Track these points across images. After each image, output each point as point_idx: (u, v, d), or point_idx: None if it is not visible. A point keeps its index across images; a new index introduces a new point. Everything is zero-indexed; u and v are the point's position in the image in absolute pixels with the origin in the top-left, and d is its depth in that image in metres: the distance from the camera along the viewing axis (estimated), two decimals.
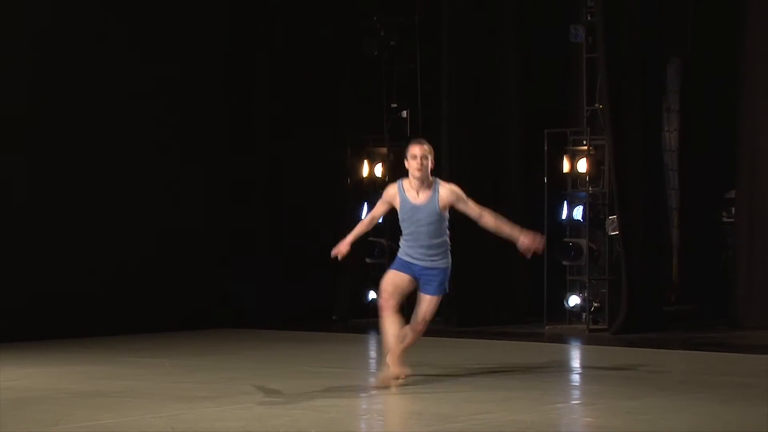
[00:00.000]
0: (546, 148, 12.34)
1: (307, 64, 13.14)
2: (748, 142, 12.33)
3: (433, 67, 13.04)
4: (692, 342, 11.04)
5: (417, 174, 8.27)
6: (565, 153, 12.30)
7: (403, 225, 8.41)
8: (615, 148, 11.82)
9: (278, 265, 12.98)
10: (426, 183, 8.33)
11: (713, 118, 13.20)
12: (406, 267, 8.40)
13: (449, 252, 8.42)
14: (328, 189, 13.31)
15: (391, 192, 8.39)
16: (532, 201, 12.70)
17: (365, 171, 13.32)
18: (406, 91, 13.37)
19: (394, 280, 8.40)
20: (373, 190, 13.29)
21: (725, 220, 13.33)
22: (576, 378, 9.18)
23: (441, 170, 12.76)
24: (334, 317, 13.21)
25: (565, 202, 12.21)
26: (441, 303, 13.06)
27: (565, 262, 12.20)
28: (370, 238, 13.16)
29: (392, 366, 8.38)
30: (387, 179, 13.27)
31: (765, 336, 11.32)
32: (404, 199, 8.33)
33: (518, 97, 12.94)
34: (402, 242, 8.42)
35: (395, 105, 13.41)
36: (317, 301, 13.16)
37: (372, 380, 8.69)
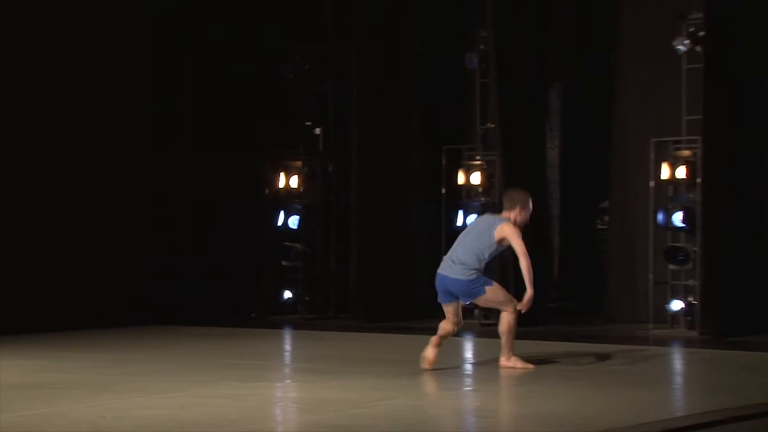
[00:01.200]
0: (444, 163, 12.47)
1: (230, 85, 13.08)
2: (618, 159, 12.60)
3: (344, 89, 13.09)
4: (570, 334, 11.22)
5: (522, 223, 8.60)
6: (461, 167, 12.43)
7: (489, 256, 8.57)
8: (504, 162, 12.00)
9: (202, 267, 12.88)
10: None
11: (590, 136, 13.44)
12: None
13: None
14: (249, 198, 13.26)
15: None
16: (431, 210, 12.81)
17: (282, 182, 13.31)
18: (319, 110, 13.38)
19: None
20: (289, 199, 13.28)
21: (599, 227, 13.59)
22: (469, 368, 9.28)
23: (351, 182, 12.86)
24: (252, 314, 13.15)
25: (461, 211, 12.33)
26: (349, 299, 13.14)
27: None
28: (286, 243, 13.16)
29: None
30: (302, 189, 13.26)
31: (633, 328, 11.56)
32: None
33: (420, 116, 13.05)
34: (482, 265, 8.55)
35: (309, 123, 13.41)
36: (238, 301, 13.09)
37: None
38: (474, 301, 8.81)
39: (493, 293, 8.62)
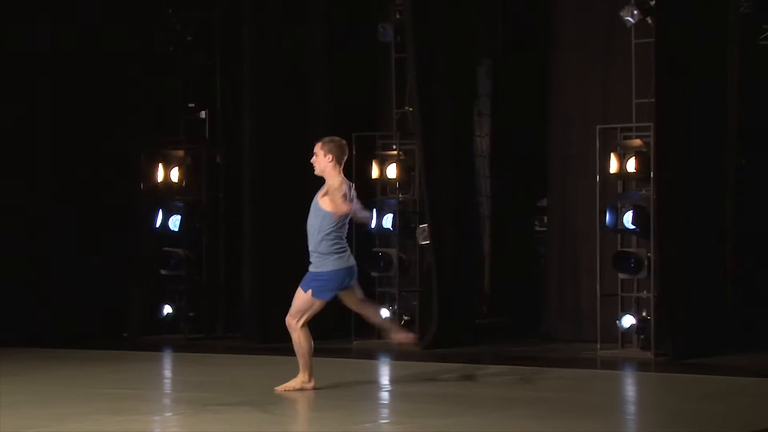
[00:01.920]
0: (354, 153, 12.41)
1: (96, 61, 12.86)
2: (559, 149, 12.69)
3: (234, 65, 12.97)
4: (504, 356, 11.29)
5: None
6: (374, 158, 12.41)
7: (341, 228, 9.01)
8: (425, 152, 12.00)
9: (65, 277, 12.67)
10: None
11: (525, 123, 13.53)
12: None
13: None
14: (120, 195, 13.06)
15: None
16: None
17: (160, 175, 13.13)
18: (204, 90, 13.25)
19: None
20: (169, 194, 13.12)
21: (537, 228, 13.70)
22: (385, 396, 9.29)
23: (242, 175, 12.75)
24: (125, 334, 12.98)
25: (374, 210, 12.28)
26: (242, 318, 13.08)
27: (374, 273, 12.30)
28: (166, 248, 13.01)
29: None
30: (184, 184, 13.12)
31: (575, 349, 11.67)
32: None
33: (325, 98, 12.99)
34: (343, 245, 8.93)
35: (192, 105, 13.27)
36: (108, 317, 12.90)
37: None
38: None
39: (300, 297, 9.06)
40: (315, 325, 12.78)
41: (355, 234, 12.19)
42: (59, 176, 12.79)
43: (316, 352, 11.53)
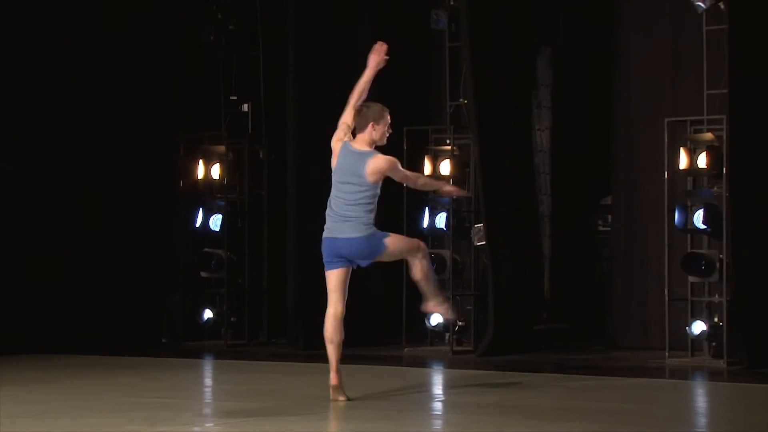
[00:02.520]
0: (406, 148, 12.38)
1: (134, 52, 12.91)
2: (624, 143, 12.60)
3: (278, 56, 12.98)
4: (565, 365, 11.24)
5: (383, 142, 9.02)
6: (427, 153, 12.36)
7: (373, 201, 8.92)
8: (481, 148, 11.95)
9: (100, 279, 12.73)
10: None
11: (588, 117, 13.43)
12: None
13: None
14: (159, 193, 13.12)
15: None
16: (389, 206, 12.69)
17: (200, 172, 13.16)
18: (247, 82, 13.27)
19: None
20: (209, 193, 13.16)
21: (601, 228, 13.60)
22: (437, 406, 9.26)
23: (287, 172, 12.74)
24: (163, 340, 13.03)
25: (426, 209, 12.26)
26: (286, 323, 13.08)
27: None
28: (206, 249, 13.04)
29: None
30: (225, 181, 13.16)
31: (642, 357, 11.58)
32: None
33: (374, 90, 12.92)
34: (372, 216, 8.91)
35: (235, 98, 13.30)
36: (146, 322, 12.96)
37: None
38: (376, 260, 9.04)
39: (393, 244, 8.93)
40: (365, 331, 12.84)
41: (406, 233, 12.18)
42: (95, 172, 12.83)
43: (366, 360, 11.56)
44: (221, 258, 13.00)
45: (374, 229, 8.86)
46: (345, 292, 8.98)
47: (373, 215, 8.88)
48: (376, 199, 8.90)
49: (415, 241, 9.05)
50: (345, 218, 8.83)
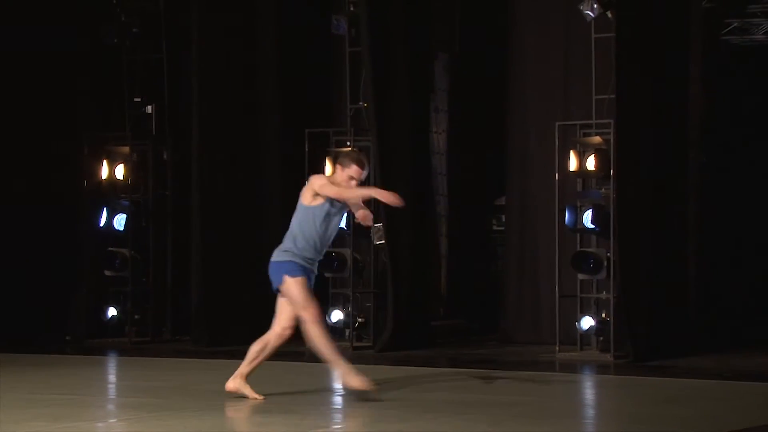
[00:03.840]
0: (307, 149, 12.44)
1: (37, 53, 12.77)
2: (517, 146, 12.77)
3: (182, 57, 12.94)
4: (461, 359, 11.32)
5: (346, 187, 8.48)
6: (328, 155, 12.42)
7: (319, 226, 8.46)
8: (380, 149, 12.04)
9: (4, 278, 12.59)
10: None
11: (483, 119, 13.58)
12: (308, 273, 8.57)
13: None
14: (63, 193, 13.00)
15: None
16: (290, 209, 12.73)
17: (105, 172, 13.08)
18: (150, 84, 13.21)
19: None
20: (114, 192, 13.08)
21: (495, 228, 13.76)
22: (338, 400, 9.27)
23: (190, 175, 12.71)
24: (67, 337, 12.91)
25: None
26: (189, 323, 12.96)
27: (327, 274, 12.30)
28: (110, 248, 12.96)
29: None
30: (129, 181, 13.09)
31: (534, 351, 11.74)
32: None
33: (276, 93, 12.99)
34: (302, 245, 8.46)
35: (138, 99, 13.23)
36: (50, 320, 12.83)
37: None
38: (282, 294, 8.67)
39: (288, 288, 8.50)
40: (267, 328, 12.83)
41: None
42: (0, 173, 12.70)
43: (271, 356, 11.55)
44: (125, 257, 12.94)
45: (290, 259, 8.46)
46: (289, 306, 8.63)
47: (295, 243, 8.48)
48: (307, 225, 8.49)
49: (308, 305, 8.50)
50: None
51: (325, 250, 8.73)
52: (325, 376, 10.29)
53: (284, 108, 13.00)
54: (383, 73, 12.08)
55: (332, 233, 8.68)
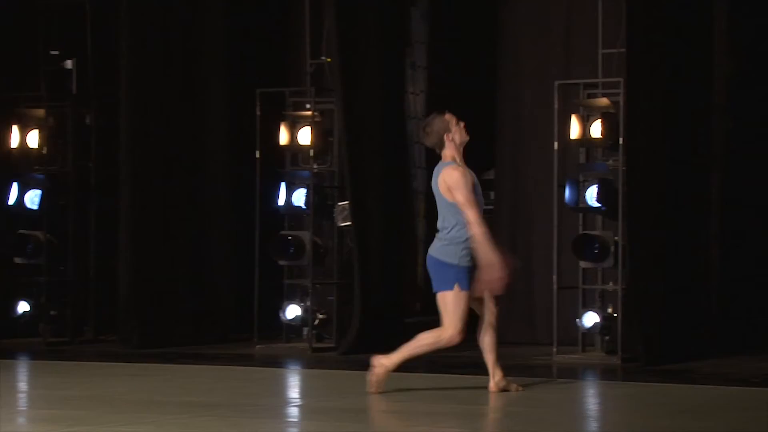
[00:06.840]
0: (259, 113, 12.45)
1: None
2: (509, 109, 12.81)
3: (108, 3, 12.91)
4: (441, 362, 11.36)
5: (467, 138, 9.47)
6: (283, 119, 12.42)
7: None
8: (347, 114, 12.06)
9: None
10: None
11: (468, 78, 13.60)
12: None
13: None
14: None
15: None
16: (240, 182, 12.77)
17: (15, 140, 13.08)
18: (70, 34, 13.18)
19: None
20: (26, 164, 13.06)
21: (483, 207, 13.77)
22: (293, 412, 9.31)
23: (118, 144, 12.70)
24: None
25: (283, 184, 12.33)
26: (116, 320, 12.97)
27: (282, 262, 12.33)
28: (21, 231, 12.96)
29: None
30: (45, 151, 13.07)
31: (527, 353, 11.84)
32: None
33: (222, 46, 13.00)
34: (460, 237, 9.18)
35: (56, 53, 13.21)
36: None
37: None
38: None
39: (447, 298, 9.38)
40: (211, 326, 12.88)
41: (259, 213, 12.27)
42: None
43: (212, 360, 11.59)
44: (39, 241, 12.94)
45: (457, 259, 9.25)
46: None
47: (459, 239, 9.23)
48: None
49: (461, 330, 9.51)
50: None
51: None
52: (279, 383, 10.31)
53: (231, 63, 12.99)
54: (350, 23, 12.09)
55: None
